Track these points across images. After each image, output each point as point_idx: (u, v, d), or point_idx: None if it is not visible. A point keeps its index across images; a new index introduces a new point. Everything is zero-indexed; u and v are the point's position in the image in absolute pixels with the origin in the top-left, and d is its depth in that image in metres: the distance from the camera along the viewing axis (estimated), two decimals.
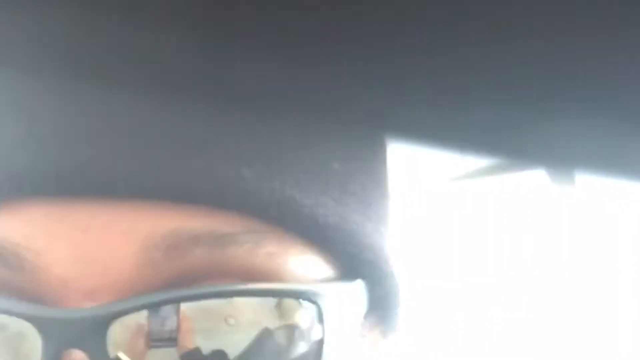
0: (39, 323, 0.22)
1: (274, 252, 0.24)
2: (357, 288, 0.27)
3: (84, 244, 0.23)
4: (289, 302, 0.24)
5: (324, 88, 0.12)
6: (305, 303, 0.25)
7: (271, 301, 0.24)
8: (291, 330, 0.24)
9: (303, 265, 0.25)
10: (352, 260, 0.26)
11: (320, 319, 0.25)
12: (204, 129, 0.23)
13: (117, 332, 0.23)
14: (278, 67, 0.11)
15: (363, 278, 0.27)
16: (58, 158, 0.23)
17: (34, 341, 0.22)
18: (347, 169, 0.26)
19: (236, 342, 0.24)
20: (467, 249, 0.84)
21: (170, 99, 0.13)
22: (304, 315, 0.25)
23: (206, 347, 0.23)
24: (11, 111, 0.23)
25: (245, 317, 0.24)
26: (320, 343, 0.25)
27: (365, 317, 0.27)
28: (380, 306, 0.28)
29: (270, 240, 0.24)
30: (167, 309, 0.23)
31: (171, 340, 0.23)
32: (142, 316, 0.23)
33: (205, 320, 0.23)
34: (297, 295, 0.24)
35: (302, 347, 0.24)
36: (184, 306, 0.23)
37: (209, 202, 0.23)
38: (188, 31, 0.10)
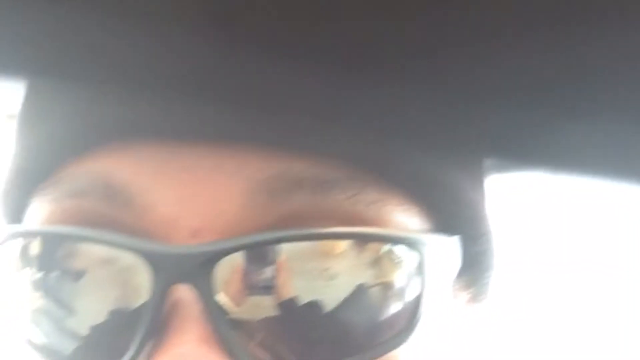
0: (150, 257, 0.23)
1: (375, 200, 0.24)
2: (454, 244, 0.26)
3: (191, 184, 0.23)
4: (387, 257, 0.24)
5: None
6: (405, 252, 0.24)
7: (369, 256, 0.24)
8: (388, 287, 0.24)
9: (402, 216, 0.25)
10: (450, 215, 0.26)
11: (421, 269, 0.24)
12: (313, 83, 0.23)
13: (224, 270, 0.23)
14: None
15: (460, 234, 0.26)
16: (168, 100, 0.23)
17: (144, 275, 0.23)
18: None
19: (333, 295, 0.24)
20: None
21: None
22: (403, 268, 0.24)
23: (302, 298, 0.23)
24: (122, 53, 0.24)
25: (343, 271, 0.24)
26: (418, 298, 0.24)
27: (458, 276, 0.27)
28: (473, 266, 0.28)
29: (372, 189, 0.24)
30: (266, 257, 0.23)
31: (268, 288, 0.23)
32: (245, 258, 0.23)
33: (304, 271, 0.23)
34: (399, 241, 0.24)
35: (398, 305, 0.24)
36: (284, 255, 0.23)
37: (314, 147, 0.23)
38: None
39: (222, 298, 0.23)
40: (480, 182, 0.28)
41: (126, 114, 0.23)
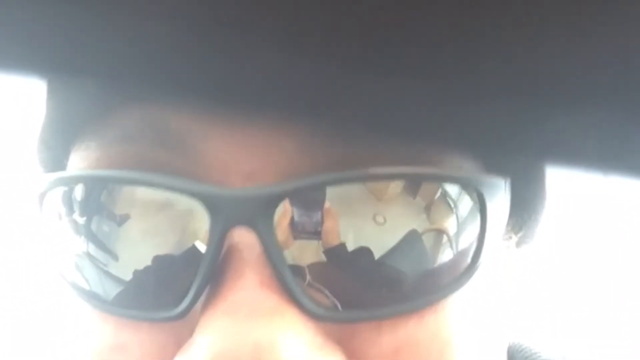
0: (208, 200, 0.22)
1: (430, 142, 0.23)
2: (505, 189, 0.26)
3: (246, 130, 0.23)
4: (443, 200, 0.23)
5: None
6: (463, 193, 0.24)
7: (425, 199, 0.23)
8: (443, 232, 0.24)
9: (458, 158, 0.24)
10: (504, 156, 0.26)
11: (482, 211, 0.24)
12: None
13: (283, 213, 0.23)
14: None
15: (513, 176, 0.26)
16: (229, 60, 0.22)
17: (202, 219, 0.22)
18: None
19: (383, 241, 0.23)
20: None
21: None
22: (460, 210, 0.24)
23: (351, 244, 0.23)
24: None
25: (394, 216, 0.23)
26: (479, 241, 0.24)
27: (509, 219, 0.27)
28: (524, 209, 0.28)
29: None
30: (317, 201, 0.23)
31: (318, 233, 0.23)
32: (300, 201, 0.23)
33: (354, 216, 0.23)
34: (458, 180, 0.24)
35: (456, 250, 0.24)
36: (334, 200, 0.23)
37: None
38: None
39: (280, 241, 0.23)
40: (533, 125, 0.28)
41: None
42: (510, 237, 0.28)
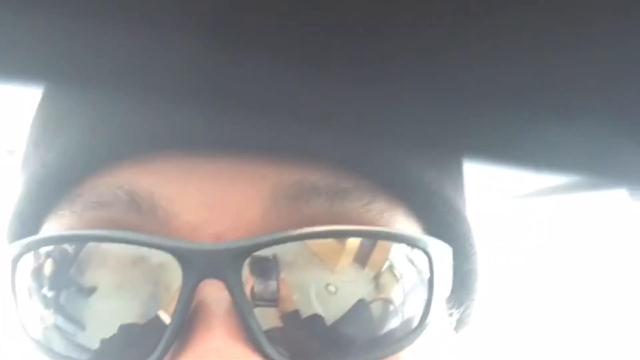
0: (180, 254, 0.24)
1: (384, 209, 0.26)
2: (450, 256, 0.28)
3: (214, 192, 0.24)
4: (396, 258, 0.25)
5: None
6: (413, 252, 0.26)
7: (370, 272, 0.25)
8: (396, 288, 0.25)
9: (408, 226, 0.27)
10: (449, 228, 0.28)
11: (430, 269, 0.26)
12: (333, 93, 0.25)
13: (250, 267, 0.24)
14: None
15: (456, 250, 0.28)
16: (189, 114, 0.24)
17: (172, 273, 0.24)
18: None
19: (335, 309, 0.25)
20: (541, 263, 0.84)
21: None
22: (413, 268, 0.26)
23: (305, 311, 0.25)
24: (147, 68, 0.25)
25: (345, 286, 0.25)
26: (428, 299, 0.26)
27: (449, 296, 0.28)
28: (462, 286, 0.29)
29: (382, 199, 0.26)
30: (272, 269, 0.24)
31: (274, 300, 0.24)
32: (256, 266, 0.24)
33: (308, 286, 0.25)
34: (408, 240, 0.26)
35: (406, 306, 0.26)
36: (289, 270, 0.25)
37: (329, 156, 0.25)
38: None
39: (248, 293, 0.24)
40: (466, 204, 0.30)
41: (147, 126, 0.24)
42: (452, 314, 0.30)
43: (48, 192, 0.27)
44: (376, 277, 0.25)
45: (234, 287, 0.24)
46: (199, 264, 0.24)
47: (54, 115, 0.28)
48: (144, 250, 0.24)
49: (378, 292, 0.26)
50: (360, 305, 0.25)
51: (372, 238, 0.25)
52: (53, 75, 0.14)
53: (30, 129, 0.29)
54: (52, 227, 0.27)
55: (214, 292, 0.24)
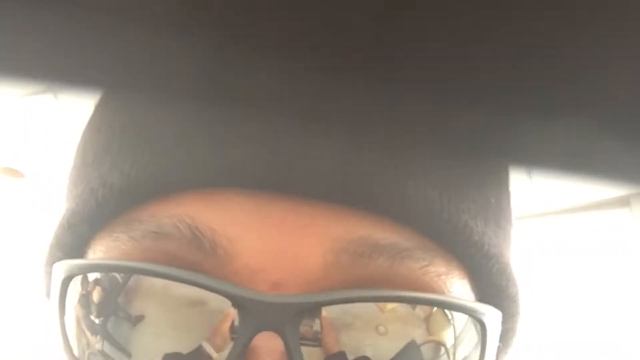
0: (240, 303, 0.23)
1: (442, 273, 0.25)
2: (499, 320, 0.27)
3: (277, 238, 0.24)
4: (438, 316, 0.25)
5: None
6: (471, 321, 0.25)
7: (421, 314, 0.25)
8: (439, 346, 0.25)
9: (463, 289, 0.26)
10: (499, 290, 0.28)
11: (484, 339, 0.26)
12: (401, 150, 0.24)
13: (307, 319, 0.24)
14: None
15: (502, 311, 0.28)
16: (260, 152, 0.23)
17: (230, 320, 0.23)
18: (500, 204, 0.28)
19: (383, 350, 0.24)
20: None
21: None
22: (468, 337, 0.26)
23: (352, 353, 0.24)
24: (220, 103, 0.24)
25: (394, 327, 0.25)
26: None
27: None
28: (500, 341, 0.29)
29: (441, 261, 0.25)
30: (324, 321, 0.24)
31: (317, 340, 0.24)
32: (330, 314, 0.24)
33: (358, 327, 0.24)
34: (470, 311, 0.25)
35: None
36: (341, 312, 0.24)
37: (394, 216, 0.24)
38: None
39: (304, 349, 0.24)
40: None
41: (217, 161, 0.24)
42: None
43: (106, 212, 0.26)
44: (430, 343, 0.25)
45: (291, 341, 0.23)
46: (259, 315, 0.23)
47: (119, 134, 0.27)
48: (203, 292, 0.24)
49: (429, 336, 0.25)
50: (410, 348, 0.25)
51: (438, 307, 0.25)
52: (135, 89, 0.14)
53: (84, 143, 0.29)
54: (104, 248, 0.26)
55: (268, 342, 0.24)
